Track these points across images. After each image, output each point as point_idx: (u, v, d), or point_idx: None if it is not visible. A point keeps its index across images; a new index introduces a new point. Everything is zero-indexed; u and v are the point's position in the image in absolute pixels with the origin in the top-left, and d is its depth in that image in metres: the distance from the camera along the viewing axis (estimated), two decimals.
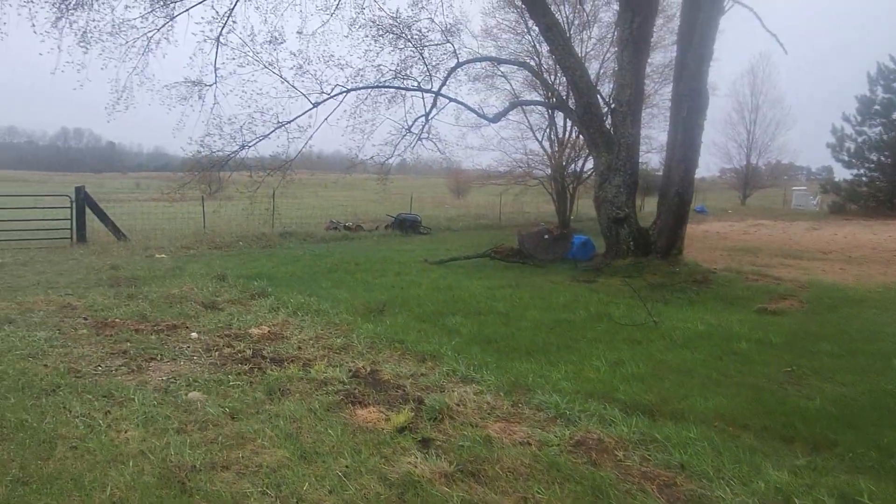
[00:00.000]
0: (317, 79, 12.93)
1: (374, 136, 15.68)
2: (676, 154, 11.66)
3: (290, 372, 4.93)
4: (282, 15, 15.87)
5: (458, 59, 15.86)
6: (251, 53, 12.69)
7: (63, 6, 11.83)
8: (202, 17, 13.53)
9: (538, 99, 22.57)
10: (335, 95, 13.15)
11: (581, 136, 22.35)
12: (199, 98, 13.91)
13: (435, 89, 14.87)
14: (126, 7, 12.29)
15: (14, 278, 9.40)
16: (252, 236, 16.05)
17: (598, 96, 15.18)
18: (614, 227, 12.38)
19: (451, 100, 14.50)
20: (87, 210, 14.70)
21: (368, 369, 5.19)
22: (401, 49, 15.19)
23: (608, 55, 21.82)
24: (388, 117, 16.53)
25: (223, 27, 13.88)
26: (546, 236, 13.24)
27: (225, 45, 12.58)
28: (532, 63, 21.45)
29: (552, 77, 22.13)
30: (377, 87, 13.92)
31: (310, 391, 4.57)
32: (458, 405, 4.39)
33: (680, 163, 11.57)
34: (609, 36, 21.33)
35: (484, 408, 4.40)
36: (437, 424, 4.04)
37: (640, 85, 12.55)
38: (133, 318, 6.59)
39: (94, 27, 12.66)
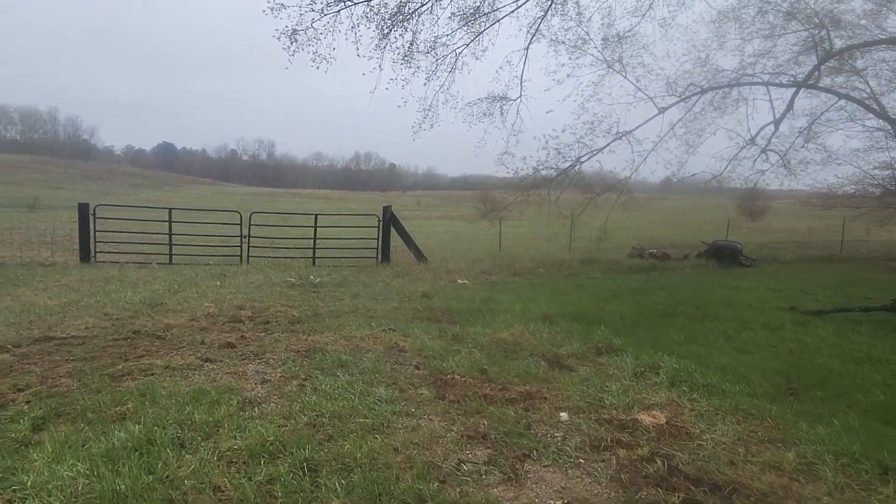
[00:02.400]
0: (667, 79, 11.07)
1: (700, 149, 13.29)
2: None
3: None
4: (588, 20, 14.54)
5: (828, 43, 12.50)
6: (595, 54, 11.41)
7: (389, 23, 12.04)
8: (521, 26, 12.85)
9: None
10: (688, 97, 11.09)
11: None
12: (501, 114, 13.28)
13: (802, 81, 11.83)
14: (451, 16, 12.03)
15: (334, 300, 9.34)
16: (551, 262, 14.77)
17: None
18: None
19: (841, 96, 11.25)
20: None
21: None
22: (749, 39, 12.55)
23: None
24: (722, 126, 13.98)
25: (532, 36, 12.99)
26: None
27: (562, 42, 11.49)
28: None
29: None
30: (750, 83, 11.43)
31: None
32: None
33: None
34: None
35: None
36: None
37: None
38: (473, 375, 5.38)
39: (411, 47, 12.79)
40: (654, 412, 4.55)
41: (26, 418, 4.03)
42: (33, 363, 5.48)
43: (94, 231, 13.49)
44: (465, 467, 3.57)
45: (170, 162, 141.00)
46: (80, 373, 5.17)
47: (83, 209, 13.36)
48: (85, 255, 13.31)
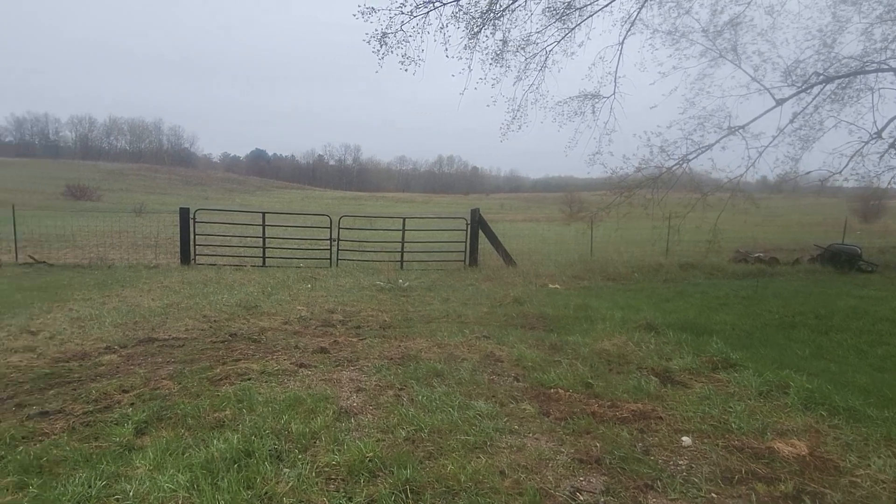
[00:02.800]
0: (785, 68, 10.21)
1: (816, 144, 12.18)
2: None
3: None
4: (686, 13, 13.72)
5: None
6: (705, 43, 10.77)
7: (479, 21, 11.82)
8: (614, 21, 12.36)
9: None
10: (810, 87, 10.18)
11: None
12: (593, 112, 12.79)
13: None
14: (544, 11, 11.65)
15: (424, 305, 9.20)
16: (647, 267, 14.02)
17: None
18: None
19: None
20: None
21: None
22: (883, 21, 11.37)
23: None
24: (842, 118, 12.78)
25: (629, 29, 12.38)
26: None
27: (667, 32, 10.91)
28: None
29: None
30: (877, 70, 10.37)
31: None
32: None
33: None
34: None
35: None
36: None
37: None
38: (578, 390, 5.00)
39: (503, 45, 12.54)
40: (791, 440, 4.01)
41: (130, 422, 4.07)
42: (137, 364, 5.63)
43: (194, 234, 14.09)
44: (580, 497, 3.23)
45: (261, 167, 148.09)
46: (181, 375, 5.24)
47: (184, 214, 13.99)
48: (185, 257, 13.93)
